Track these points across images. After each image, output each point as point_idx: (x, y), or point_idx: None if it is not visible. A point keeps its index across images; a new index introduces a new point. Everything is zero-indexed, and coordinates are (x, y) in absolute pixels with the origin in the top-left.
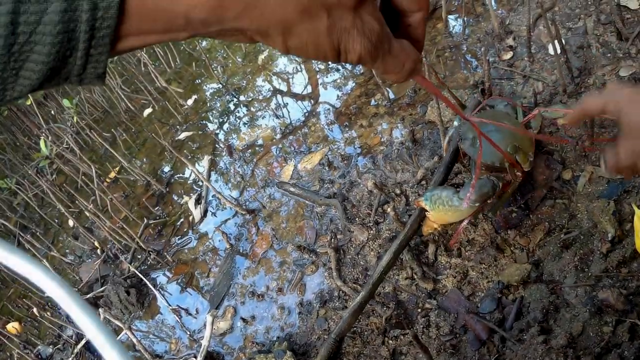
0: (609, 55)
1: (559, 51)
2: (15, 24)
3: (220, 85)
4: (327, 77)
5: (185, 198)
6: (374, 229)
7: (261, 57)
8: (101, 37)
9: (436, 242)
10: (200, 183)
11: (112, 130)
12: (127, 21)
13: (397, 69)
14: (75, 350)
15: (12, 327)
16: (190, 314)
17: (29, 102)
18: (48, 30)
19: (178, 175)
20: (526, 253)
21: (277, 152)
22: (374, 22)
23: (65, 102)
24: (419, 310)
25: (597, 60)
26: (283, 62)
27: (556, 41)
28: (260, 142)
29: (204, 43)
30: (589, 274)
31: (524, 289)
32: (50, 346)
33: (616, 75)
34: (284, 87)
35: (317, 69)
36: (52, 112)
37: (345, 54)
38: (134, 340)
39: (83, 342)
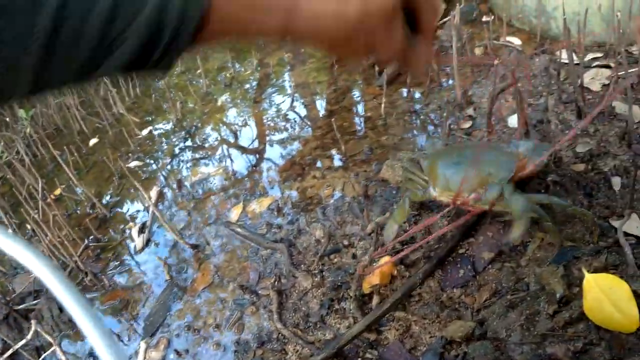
0: (567, 131)
1: (521, 123)
2: (113, 19)
3: (176, 122)
4: (282, 128)
5: (129, 225)
6: (318, 276)
7: (219, 100)
8: (182, 40)
9: (381, 294)
10: (146, 212)
11: (64, 147)
12: (207, 27)
13: (417, 65)
14: None
15: None
16: (122, 340)
17: None
18: (140, 28)
19: (123, 203)
20: (471, 311)
21: (227, 192)
22: (400, 32)
23: (22, 113)
24: (360, 359)
25: (555, 135)
26: (240, 108)
27: (520, 112)
28: (211, 180)
29: (165, 79)
30: (535, 333)
31: (467, 345)
32: None
33: (572, 150)
34: (238, 132)
35: (273, 120)
36: (7, 119)
37: (378, 54)
38: (63, 359)
39: (10, 352)
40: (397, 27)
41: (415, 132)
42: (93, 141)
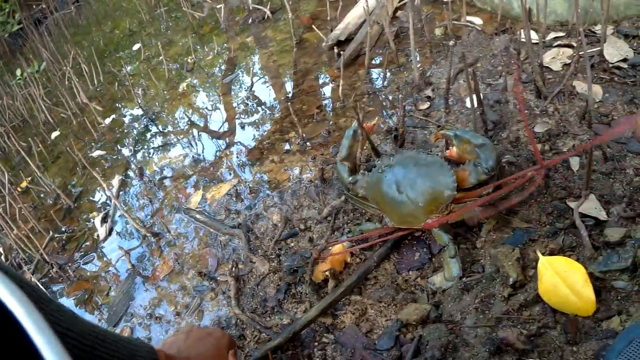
0: (526, 111)
1: (475, 104)
2: None
3: (139, 109)
4: (243, 112)
5: (93, 214)
6: (275, 261)
7: (182, 85)
8: None
9: (336, 278)
10: (108, 202)
11: (29, 139)
12: None
13: None
14: None
15: None
16: None
17: None
18: None
19: (87, 193)
20: (426, 294)
21: (187, 179)
22: None
23: None
24: (316, 344)
25: (513, 115)
26: (202, 94)
27: (474, 94)
28: (171, 167)
29: (129, 67)
30: (490, 316)
31: (422, 328)
32: None
33: (532, 130)
34: (200, 117)
35: (235, 104)
36: None
37: None
38: None
39: None
40: None
41: (373, 114)
42: (55, 134)
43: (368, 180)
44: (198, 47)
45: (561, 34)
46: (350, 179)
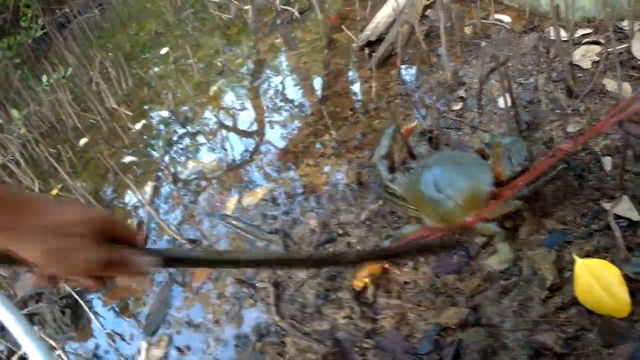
0: (557, 111)
1: (509, 104)
2: None
3: (169, 113)
4: (275, 115)
5: (127, 222)
6: None
7: (213, 88)
8: None
9: (375, 283)
10: (141, 209)
11: (58, 146)
12: None
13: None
14: None
15: None
16: (124, 340)
17: None
18: None
19: (119, 199)
20: (465, 297)
21: (222, 184)
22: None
23: (15, 113)
24: (357, 349)
25: (545, 115)
26: (232, 97)
27: (507, 94)
28: (204, 172)
29: (157, 69)
30: (528, 319)
31: (461, 331)
32: None
33: (563, 130)
34: (231, 121)
35: (266, 107)
36: (0, 121)
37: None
38: None
39: (15, 358)
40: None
41: (406, 115)
42: (84, 140)
43: (406, 181)
44: (226, 49)
45: (589, 30)
46: (390, 176)
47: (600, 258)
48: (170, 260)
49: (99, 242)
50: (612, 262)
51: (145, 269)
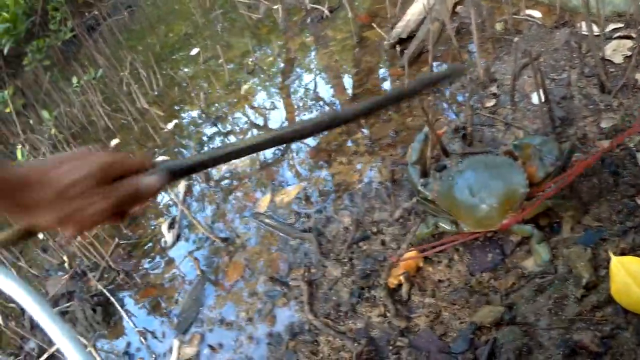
0: (591, 106)
1: (542, 100)
2: None
3: (200, 112)
4: (306, 113)
5: (159, 220)
6: (348, 265)
7: (244, 87)
8: None
9: (410, 281)
10: (173, 207)
11: (89, 146)
12: None
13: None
14: None
15: None
16: (156, 337)
17: (8, 110)
18: None
19: (151, 199)
20: (500, 296)
21: (254, 183)
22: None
23: (45, 114)
24: (391, 347)
25: (579, 111)
26: (263, 96)
27: (541, 90)
28: (238, 171)
29: (187, 69)
30: (563, 317)
31: (496, 330)
32: (11, 357)
33: (597, 126)
34: (262, 120)
35: (297, 105)
36: (31, 122)
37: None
38: (97, 359)
39: (46, 355)
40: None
41: (439, 112)
42: (115, 140)
43: (439, 187)
44: (256, 48)
45: (620, 25)
46: (422, 181)
47: (636, 256)
48: (178, 172)
49: (105, 188)
50: None
51: (157, 189)
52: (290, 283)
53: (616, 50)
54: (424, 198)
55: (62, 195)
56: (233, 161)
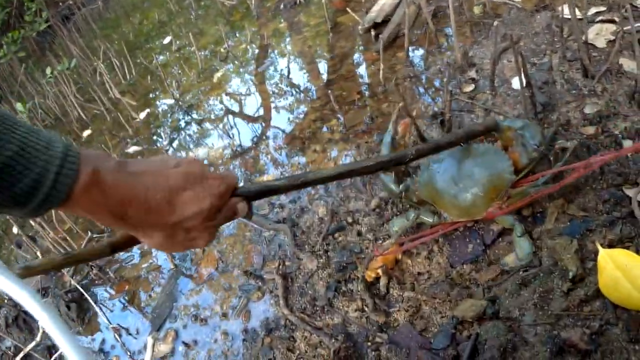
0: (573, 92)
1: (524, 85)
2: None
3: (174, 101)
4: (281, 100)
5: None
6: (323, 257)
7: (217, 75)
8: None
9: (388, 274)
10: None
11: (63, 137)
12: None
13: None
14: None
15: None
16: (130, 334)
17: None
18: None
19: None
20: (482, 289)
21: (228, 171)
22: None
23: (19, 106)
24: (369, 344)
25: (561, 96)
26: (237, 83)
27: (522, 75)
28: (210, 160)
29: (161, 57)
30: (549, 312)
31: (479, 325)
32: None
33: (580, 112)
34: (236, 108)
35: (272, 92)
36: None
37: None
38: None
39: (21, 354)
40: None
41: (416, 98)
42: (88, 131)
43: (419, 180)
44: (230, 35)
45: (602, 8)
46: (401, 187)
47: (624, 247)
48: (256, 196)
49: (216, 215)
50: (637, 252)
51: (246, 213)
52: (264, 276)
53: (599, 34)
54: (408, 202)
55: (180, 225)
56: (205, 148)
